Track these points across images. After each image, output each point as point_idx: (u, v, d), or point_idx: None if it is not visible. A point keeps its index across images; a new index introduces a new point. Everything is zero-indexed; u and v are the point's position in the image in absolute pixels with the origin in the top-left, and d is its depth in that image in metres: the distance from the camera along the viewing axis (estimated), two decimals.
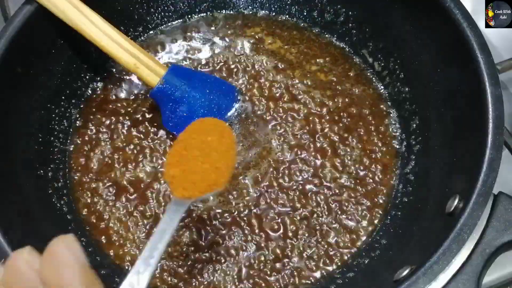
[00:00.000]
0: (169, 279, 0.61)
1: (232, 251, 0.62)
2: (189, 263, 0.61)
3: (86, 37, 0.62)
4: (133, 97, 0.72)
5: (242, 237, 0.63)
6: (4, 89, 0.59)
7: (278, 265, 0.62)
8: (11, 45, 0.58)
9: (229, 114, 0.70)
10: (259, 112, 0.70)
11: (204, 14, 0.78)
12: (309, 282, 0.61)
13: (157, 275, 0.61)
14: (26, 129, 0.63)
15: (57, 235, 0.59)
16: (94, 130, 0.69)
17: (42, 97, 0.65)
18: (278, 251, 0.62)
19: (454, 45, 0.59)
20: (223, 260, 0.62)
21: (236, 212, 0.64)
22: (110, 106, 0.71)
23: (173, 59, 0.74)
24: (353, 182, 0.66)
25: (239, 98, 0.71)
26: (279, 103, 0.71)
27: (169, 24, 0.77)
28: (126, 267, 0.62)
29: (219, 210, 0.64)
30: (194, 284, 0.61)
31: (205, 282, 0.61)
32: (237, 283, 0.61)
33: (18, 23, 0.59)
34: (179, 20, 0.77)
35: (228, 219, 0.64)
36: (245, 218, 0.64)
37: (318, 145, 0.68)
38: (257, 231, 0.63)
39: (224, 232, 0.63)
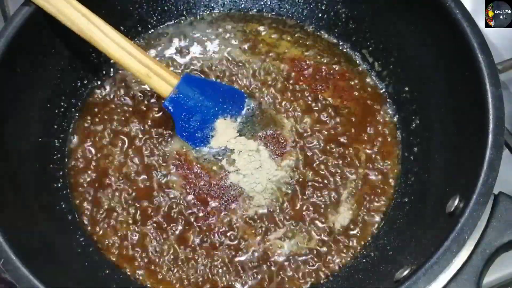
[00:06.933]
0: None
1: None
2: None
3: (98, 48, 0.62)
4: (132, 96, 0.72)
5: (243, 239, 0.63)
6: (4, 89, 0.59)
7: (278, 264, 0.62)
8: (11, 45, 0.58)
9: (239, 116, 0.70)
10: (263, 107, 0.70)
11: (204, 13, 0.78)
12: (310, 282, 0.61)
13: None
14: (26, 129, 0.63)
15: (57, 235, 0.60)
16: (93, 130, 0.69)
17: (41, 97, 0.65)
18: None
19: (454, 45, 0.59)
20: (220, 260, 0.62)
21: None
22: (110, 106, 0.71)
23: (173, 59, 0.74)
24: (353, 181, 0.66)
25: (246, 101, 0.71)
26: (283, 100, 0.71)
27: (169, 23, 0.77)
28: (126, 267, 0.62)
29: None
30: None
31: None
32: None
33: (18, 23, 0.58)
34: (178, 20, 0.77)
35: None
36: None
37: (319, 143, 0.68)
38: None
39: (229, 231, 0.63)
